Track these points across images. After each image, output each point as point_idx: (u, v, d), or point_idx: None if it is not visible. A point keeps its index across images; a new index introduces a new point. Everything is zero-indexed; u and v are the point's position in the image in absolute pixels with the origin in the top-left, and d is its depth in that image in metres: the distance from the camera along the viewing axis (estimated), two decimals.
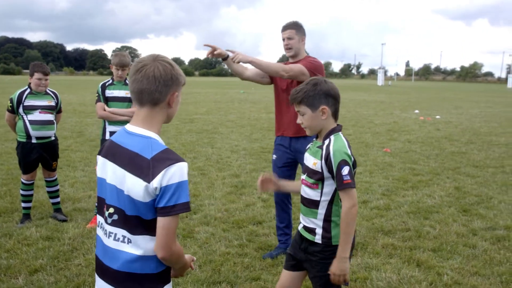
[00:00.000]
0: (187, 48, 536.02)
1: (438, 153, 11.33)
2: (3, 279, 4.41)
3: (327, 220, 2.86)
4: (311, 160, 2.89)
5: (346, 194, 2.74)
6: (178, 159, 2.08)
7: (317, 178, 2.84)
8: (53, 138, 6.09)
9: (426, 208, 6.80)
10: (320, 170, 2.82)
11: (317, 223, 2.89)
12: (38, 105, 5.88)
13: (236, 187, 7.85)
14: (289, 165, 5.05)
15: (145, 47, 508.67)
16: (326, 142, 2.85)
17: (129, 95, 6.00)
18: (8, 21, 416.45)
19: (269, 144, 12.18)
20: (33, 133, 5.86)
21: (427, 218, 6.39)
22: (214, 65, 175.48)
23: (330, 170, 2.78)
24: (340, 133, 2.91)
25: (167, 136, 13.43)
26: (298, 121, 2.96)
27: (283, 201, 5.19)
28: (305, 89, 2.88)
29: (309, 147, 3.04)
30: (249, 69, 5.11)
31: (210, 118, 18.91)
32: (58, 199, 6.33)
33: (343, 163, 2.73)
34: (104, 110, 5.89)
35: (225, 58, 4.78)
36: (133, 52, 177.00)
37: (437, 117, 20.59)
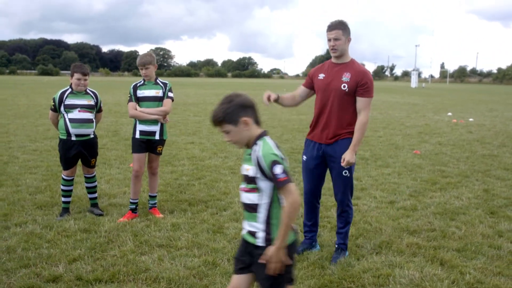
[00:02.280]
0: (220, 49, 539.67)
1: (468, 156, 11.29)
2: (45, 266, 4.71)
3: (268, 222, 2.96)
4: (245, 167, 3.01)
5: (285, 190, 2.84)
6: None
7: (253, 183, 2.96)
8: (92, 136, 6.40)
9: (453, 210, 6.86)
10: (254, 175, 2.94)
11: (258, 227, 2.99)
12: (78, 104, 6.20)
13: None
14: (320, 166, 5.12)
15: (179, 49, 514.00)
16: (255, 148, 2.96)
17: (159, 95, 6.26)
18: (46, 23, 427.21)
19: (299, 145, 12.33)
20: (72, 130, 6.18)
21: (453, 219, 6.46)
22: (247, 66, 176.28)
23: (263, 173, 2.89)
24: (265, 137, 3.01)
25: (199, 136, 13.72)
26: (225, 139, 3.04)
27: (312, 201, 5.30)
28: (222, 108, 2.96)
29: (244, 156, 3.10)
30: (297, 96, 5.25)
31: None
32: (96, 195, 6.63)
33: (273, 163, 2.84)
34: (135, 109, 6.21)
35: (276, 100, 5.04)
36: (167, 54, 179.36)
37: (470, 119, 20.37)
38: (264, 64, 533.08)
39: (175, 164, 9.80)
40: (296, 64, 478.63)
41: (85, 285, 4.35)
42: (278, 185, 2.84)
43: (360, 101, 4.87)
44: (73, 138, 6.22)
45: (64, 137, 6.25)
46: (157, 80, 6.37)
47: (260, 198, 2.97)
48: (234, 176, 8.72)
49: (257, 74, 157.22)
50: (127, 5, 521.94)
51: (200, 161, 10.16)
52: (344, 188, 5.07)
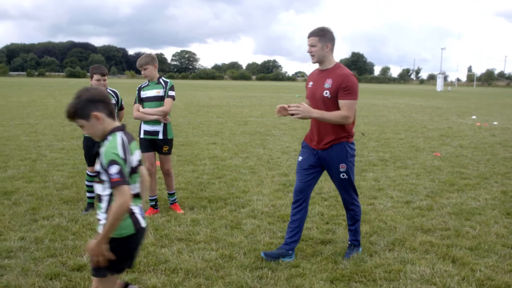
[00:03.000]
0: (245, 52, 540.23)
1: (489, 158, 11.27)
2: (70, 256, 4.97)
3: (107, 213, 3.04)
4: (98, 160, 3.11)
5: (116, 191, 2.92)
6: None
7: (99, 175, 3.09)
8: None
9: (469, 210, 6.92)
10: (98, 169, 3.07)
11: (102, 216, 3.11)
12: None
13: (284, 185, 8.21)
14: (314, 167, 5.09)
15: (204, 51, 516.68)
16: (105, 142, 3.07)
17: (160, 94, 6.36)
18: (75, 27, 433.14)
19: None
20: None
21: (468, 219, 6.52)
22: (271, 69, 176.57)
23: (104, 169, 3.00)
24: (118, 132, 3.09)
25: (222, 137, 13.95)
26: (82, 132, 3.16)
27: (299, 200, 5.14)
28: (72, 104, 3.07)
29: None
30: None
31: (264, 120, 19.36)
32: None
33: (111, 163, 2.93)
34: (138, 111, 6.42)
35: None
36: (192, 56, 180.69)
37: (495, 123, 20.20)
38: (288, 67, 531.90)
39: (196, 163, 10.04)
40: None
41: None
42: (111, 185, 2.94)
43: (342, 103, 4.79)
44: None
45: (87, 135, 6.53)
46: (160, 80, 6.46)
47: (103, 189, 3.08)
48: (254, 176, 8.91)
49: (281, 77, 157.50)
50: (154, 8, 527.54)
51: (221, 161, 10.38)
52: (345, 190, 5.14)
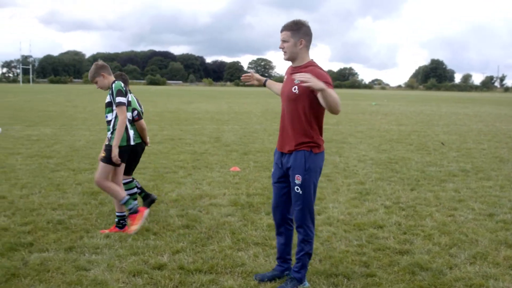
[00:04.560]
0: (321, 60, 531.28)
1: None
2: (151, 255, 5.18)
3: None
4: None
5: None
6: None
7: None
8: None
9: None
10: None
11: None
12: None
13: (360, 194, 8.12)
14: (282, 181, 4.61)
15: (280, 59, 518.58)
16: None
17: (107, 100, 6.00)
18: (155, 36, 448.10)
19: (396, 156, 12.22)
20: None
21: None
22: (347, 77, 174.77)
23: None
24: None
25: None
26: None
27: (279, 220, 4.77)
28: None
29: None
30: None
31: (340, 128, 19.20)
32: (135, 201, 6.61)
33: None
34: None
35: (264, 84, 5.21)
36: (268, 64, 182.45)
37: None
38: (365, 75, 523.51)
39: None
40: (398, 75, 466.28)
41: (187, 273, 4.74)
42: None
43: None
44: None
45: None
46: (112, 84, 5.96)
47: None
48: (330, 183, 8.87)
49: (357, 85, 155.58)
50: (231, 17, 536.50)
51: None
52: (299, 207, 4.47)
